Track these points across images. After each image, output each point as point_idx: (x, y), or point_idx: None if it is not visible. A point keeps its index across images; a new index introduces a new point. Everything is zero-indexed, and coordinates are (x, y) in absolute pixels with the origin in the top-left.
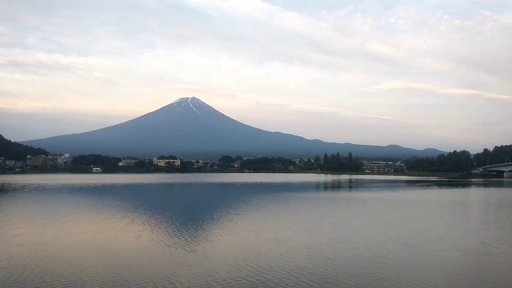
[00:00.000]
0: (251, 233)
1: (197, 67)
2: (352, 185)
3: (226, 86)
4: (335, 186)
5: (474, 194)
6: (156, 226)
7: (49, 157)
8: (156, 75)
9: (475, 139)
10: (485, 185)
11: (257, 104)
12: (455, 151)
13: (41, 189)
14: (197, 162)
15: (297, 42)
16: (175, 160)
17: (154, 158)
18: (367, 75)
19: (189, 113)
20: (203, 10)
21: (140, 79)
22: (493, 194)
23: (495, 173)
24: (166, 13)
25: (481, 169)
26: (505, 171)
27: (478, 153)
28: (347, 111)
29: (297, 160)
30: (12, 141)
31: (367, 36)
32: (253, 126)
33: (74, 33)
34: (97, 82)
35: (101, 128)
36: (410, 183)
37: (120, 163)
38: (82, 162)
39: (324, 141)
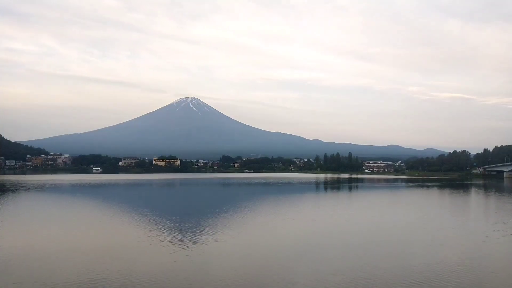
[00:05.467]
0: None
1: (43, 57)
2: (351, 186)
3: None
4: (332, 187)
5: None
6: (157, 226)
7: (49, 157)
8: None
9: (475, 139)
10: (485, 187)
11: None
12: (455, 151)
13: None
14: (197, 162)
15: (110, 25)
16: (175, 160)
17: (154, 158)
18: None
19: (189, 113)
20: None
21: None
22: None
23: (495, 173)
24: None
25: (481, 169)
26: (505, 171)
27: (478, 153)
28: (275, 103)
29: (297, 160)
30: (12, 141)
31: (175, 18)
32: (253, 126)
33: None
34: None
35: (101, 128)
36: (408, 183)
37: (120, 163)
38: (82, 162)
39: (324, 141)
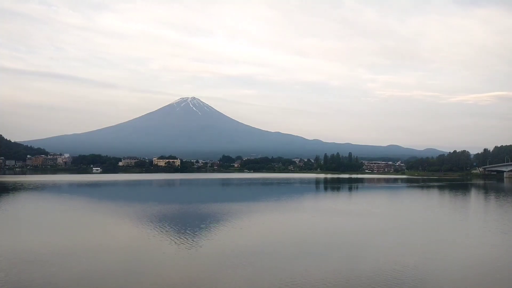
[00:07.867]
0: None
1: None
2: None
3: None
4: (332, 187)
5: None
6: (158, 227)
7: (49, 157)
8: None
9: (475, 139)
10: (485, 188)
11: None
12: (455, 151)
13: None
14: (197, 162)
15: (15, 17)
16: (175, 160)
17: (154, 158)
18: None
19: (189, 113)
20: None
21: None
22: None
23: (495, 173)
24: None
25: (481, 169)
26: (505, 171)
27: (478, 153)
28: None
29: (297, 160)
30: (12, 141)
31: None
32: (253, 126)
33: None
34: None
35: (101, 128)
36: (407, 183)
37: (120, 163)
38: (82, 162)
39: (324, 141)
